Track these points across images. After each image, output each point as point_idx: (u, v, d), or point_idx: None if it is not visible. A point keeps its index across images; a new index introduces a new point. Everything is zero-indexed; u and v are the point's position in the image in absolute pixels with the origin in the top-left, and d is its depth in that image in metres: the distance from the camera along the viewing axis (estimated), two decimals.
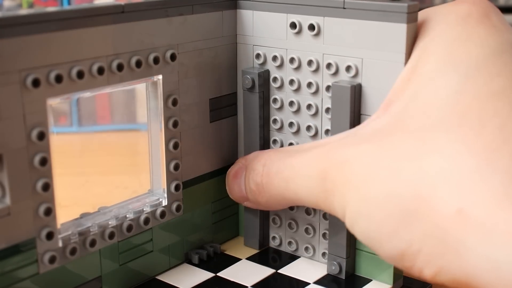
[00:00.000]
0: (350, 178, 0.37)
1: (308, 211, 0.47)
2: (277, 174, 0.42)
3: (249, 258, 0.48)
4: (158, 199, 0.45)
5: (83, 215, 0.42)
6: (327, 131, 0.45)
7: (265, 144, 0.48)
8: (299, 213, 0.48)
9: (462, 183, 0.33)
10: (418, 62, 0.39)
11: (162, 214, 0.45)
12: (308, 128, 0.46)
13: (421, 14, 0.41)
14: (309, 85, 0.45)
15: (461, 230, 0.32)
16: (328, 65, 0.44)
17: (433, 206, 0.33)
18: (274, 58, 0.46)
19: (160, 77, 0.43)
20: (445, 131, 0.35)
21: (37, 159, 0.37)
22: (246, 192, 0.45)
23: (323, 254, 0.47)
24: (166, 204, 0.45)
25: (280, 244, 0.49)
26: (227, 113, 0.49)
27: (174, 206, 0.46)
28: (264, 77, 0.47)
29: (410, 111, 0.37)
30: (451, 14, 0.39)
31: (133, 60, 0.41)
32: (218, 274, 0.46)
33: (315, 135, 0.46)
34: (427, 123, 0.36)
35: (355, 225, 0.37)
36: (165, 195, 0.45)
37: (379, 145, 0.37)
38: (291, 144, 0.47)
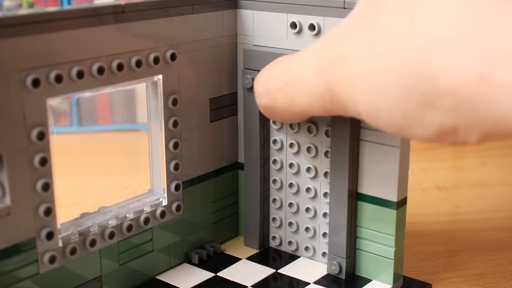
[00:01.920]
0: (353, 72, 0.34)
1: (308, 210, 0.47)
2: (278, 91, 0.39)
3: (249, 258, 0.48)
4: (158, 199, 0.45)
5: (83, 215, 0.42)
6: (327, 131, 0.45)
7: (265, 143, 0.48)
8: (299, 213, 0.48)
9: (469, 45, 0.29)
10: None
11: (162, 214, 0.45)
12: (309, 128, 0.46)
13: None
14: None
15: (489, 98, 0.29)
16: None
17: (450, 79, 0.30)
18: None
19: (160, 77, 0.43)
20: None
21: (37, 159, 0.37)
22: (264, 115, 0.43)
23: (323, 254, 0.47)
24: (166, 204, 0.45)
25: (280, 244, 0.49)
26: (227, 113, 0.49)
27: (174, 206, 0.46)
28: None
29: None
30: None
31: (133, 60, 0.41)
32: (218, 274, 0.46)
33: (316, 135, 0.46)
34: None
35: (377, 119, 0.34)
36: (165, 195, 0.45)
37: (368, 28, 0.34)
38: (291, 144, 0.47)
